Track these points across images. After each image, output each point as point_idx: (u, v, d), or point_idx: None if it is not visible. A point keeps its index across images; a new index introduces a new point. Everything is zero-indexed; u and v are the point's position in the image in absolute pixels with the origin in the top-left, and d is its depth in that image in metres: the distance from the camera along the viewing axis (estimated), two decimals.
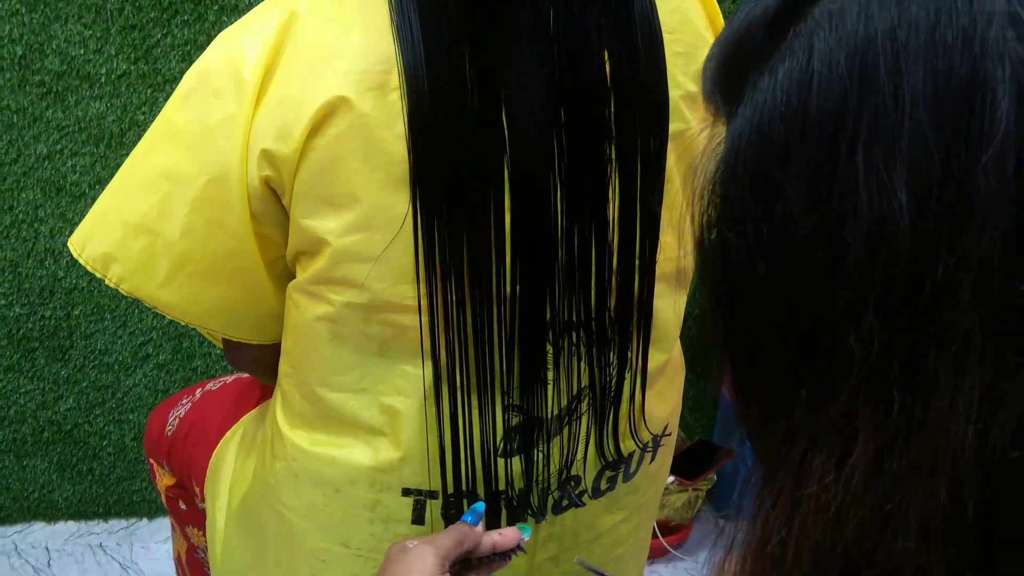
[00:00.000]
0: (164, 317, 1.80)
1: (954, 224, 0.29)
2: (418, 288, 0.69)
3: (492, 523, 0.79)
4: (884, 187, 0.30)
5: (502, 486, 0.77)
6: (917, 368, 0.30)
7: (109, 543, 1.92)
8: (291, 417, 0.80)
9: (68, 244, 0.75)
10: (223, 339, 0.86)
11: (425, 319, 0.70)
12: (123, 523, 1.96)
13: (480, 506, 0.74)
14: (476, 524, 0.72)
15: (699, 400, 2.12)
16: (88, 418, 1.86)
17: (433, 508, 0.77)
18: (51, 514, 1.94)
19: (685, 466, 1.95)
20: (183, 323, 0.78)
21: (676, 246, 0.79)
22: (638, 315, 0.76)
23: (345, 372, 0.74)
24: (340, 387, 0.75)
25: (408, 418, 0.74)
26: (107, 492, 1.94)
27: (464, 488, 0.76)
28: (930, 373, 0.30)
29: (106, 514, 1.96)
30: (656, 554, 2.01)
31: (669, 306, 0.82)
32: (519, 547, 0.73)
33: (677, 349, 0.90)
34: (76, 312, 1.75)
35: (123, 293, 0.74)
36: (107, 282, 0.74)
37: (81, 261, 0.74)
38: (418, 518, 0.78)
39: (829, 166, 0.31)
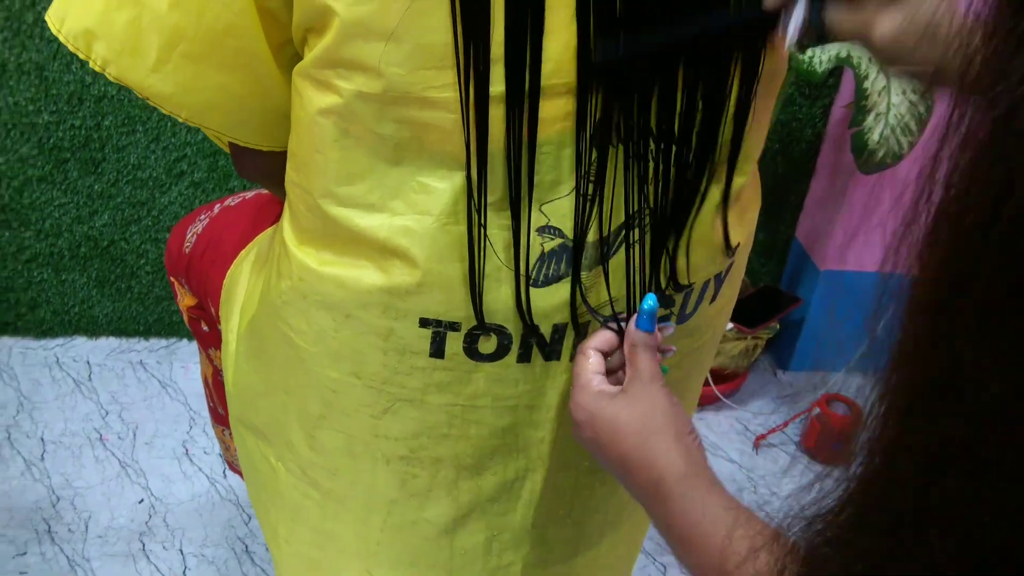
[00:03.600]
0: (198, 131, 1.71)
1: None
2: (458, 67, 0.56)
3: (523, 359, 0.69)
4: None
5: (534, 320, 0.67)
6: None
7: (149, 361, 1.91)
8: (299, 232, 0.70)
9: (46, 18, 0.65)
10: (230, 144, 0.76)
11: (452, 116, 0.58)
12: (163, 342, 1.94)
13: (650, 302, 0.66)
14: (651, 328, 0.66)
15: (769, 243, 1.99)
16: (124, 235, 1.80)
17: (453, 341, 0.68)
18: (92, 329, 1.92)
19: (746, 313, 1.84)
20: (180, 119, 0.68)
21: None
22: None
23: (352, 182, 0.63)
24: (346, 201, 0.64)
25: (425, 239, 0.63)
26: (147, 311, 1.91)
27: (490, 320, 0.66)
28: None
29: (146, 332, 1.94)
30: (706, 401, 1.93)
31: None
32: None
33: (755, 175, 0.76)
34: (107, 123, 1.66)
35: (111, 79, 0.65)
36: (92, 65, 0.64)
37: (61, 39, 0.64)
38: (437, 351, 0.68)
39: None
